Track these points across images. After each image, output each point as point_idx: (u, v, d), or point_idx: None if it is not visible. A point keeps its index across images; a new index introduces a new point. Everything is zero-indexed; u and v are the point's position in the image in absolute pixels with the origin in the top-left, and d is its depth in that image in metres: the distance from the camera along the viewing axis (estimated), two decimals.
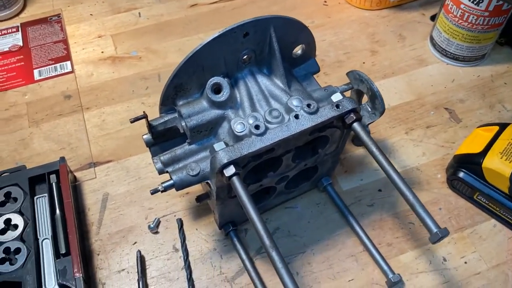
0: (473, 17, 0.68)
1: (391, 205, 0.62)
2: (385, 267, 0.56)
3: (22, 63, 0.78)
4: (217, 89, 0.49)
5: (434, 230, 0.42)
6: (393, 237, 0.59)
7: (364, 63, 0.77)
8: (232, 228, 0.57)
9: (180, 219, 0.60)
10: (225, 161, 0.43)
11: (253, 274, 0.55)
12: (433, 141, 0.68)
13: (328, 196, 0.62)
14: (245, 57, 0.50)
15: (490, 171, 0.57)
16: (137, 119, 0.48)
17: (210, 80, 0.48)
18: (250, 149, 0.44)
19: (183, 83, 0.48)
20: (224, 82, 0.48)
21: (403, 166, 0.65)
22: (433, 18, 0.83)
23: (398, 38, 0.81)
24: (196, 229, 0.60)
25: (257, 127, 0.45)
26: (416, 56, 0.78)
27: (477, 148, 0.60)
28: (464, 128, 0.69)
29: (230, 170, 0.43)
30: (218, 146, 0.45)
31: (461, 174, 0.60)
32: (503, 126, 0.61)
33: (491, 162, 0.57)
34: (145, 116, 0.48)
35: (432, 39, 0.78)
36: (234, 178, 0.44)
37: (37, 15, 0.85)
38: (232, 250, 0.58)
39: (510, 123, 0.61)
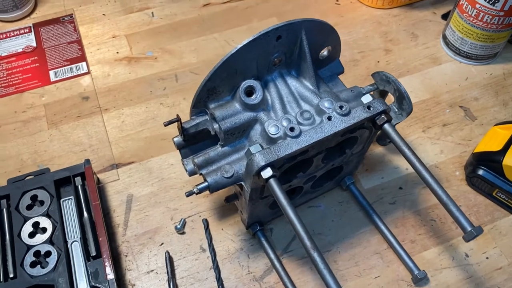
0: (488, 17, 0.69)
1: (412, 203, 0.63)
2: (410, 264, 0.57)
3: (37, 64, 0.77)
4: (249, 92, 0.49)
5: (469, 228, 0.43)
6: (416, 234, 0.60)
7: (378, 62, 0.78)
8: (260, 227, 0.58)
9: (206, 219, 0.61)
10: (263, 163, 0.44)
11: (281, 272, 0.56)
12: (450, 139, 0.69)
13: (350, 195, 0.63)
14: (276, 59, 0.50)
15: (511, 169, 0.58)
16: (170, 122, 0.49)
17: (244, 83, 0.49)
18: (287, 151, 0.45)
19: (216, 86, 0.49)
20: (257, 85, 0.49)
21: None
22: (444, 16, 0.85)
23: (411, 37, 0.82)
24: (222, 229, 0.61)
25: (292, 129, 0.46)
26: (430, 55, 0.79)
27: (496, 146, 0.61)
28: (479, 126, 0.71)
29: (267, 172, 0.44)
30: (255, 148, 0.45)
31: (480, 172, 0.61)
32: None
33: (511, 160, 0.58)
34: (178, 119, 0.48)
35: (445, 37, 0.79)
36: (271, 180, 0.44)
37: (49, 15, 0.84)
38: (259, 250, 0.59)
39: None
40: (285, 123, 0.48)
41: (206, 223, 0.60)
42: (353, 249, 0.59)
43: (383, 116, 0.48)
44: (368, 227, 0.61)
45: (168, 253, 0.58)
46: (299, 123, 0.49)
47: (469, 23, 0.72)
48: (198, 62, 0.78)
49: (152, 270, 0.57)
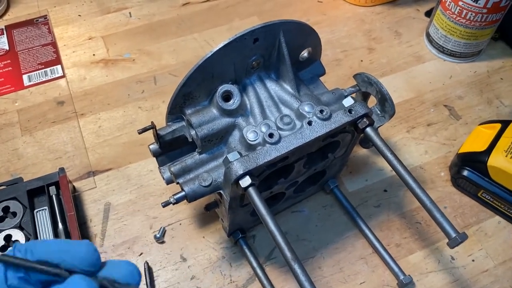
0: (471, 14, 0.68)
1: (397, 205, 0.62)
2: (396, 269, 0.56)
3: (10, 68, 0.74)
4: (227, 97, 0.48)
5: (453, 235, 0.42)
6: (401, 237, 0.59)
7: (362, 61, 0.77)
8: (241, 235, 0.56)
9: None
10: (241, 172, 0.42)
11: (264, 281, 0.54)
12: (434, 139, 0.68)
13: (334, 198, 0.62)
14: (254, 62, 0.49)
15: (495, 169, 0.57)
16: (145, 129, 0.47)
17: (220, 88, 0.47)
18: (266, 158, 0.43)
19: (192, 91, 0.47)
20: (234, 89, 0.47)
21: (407, 165, 0.65)
22: (427, 14, 0.84)
23: (395, 35, 0.81)
24: (203, 237, 0.59)
25: (271, 135, 0.44)
26: (413, 53, 0.78)
27: (481, 147, 0.60)
28: (464, 125, 0.70)
29: (246, 181, 0.42)
30: (233, 156, 0.44)
31: (465, 173, 0.61)
32: (505, 124, 0.61)
33: (496, 161, 0.57)
34: (153, 127, 0.46)
35: (428, 35, 0.78)
36: (250, 189, 0.43)
37: (22, 17, 0.81)
38: (241, 258, 0.57)
39: None
40: (264, 129, 0.47)
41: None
42: (337, 254, 0.58)
43: (365, 120, 0.47)
44: (352, 231, 0.60)
45: (147, 263, 0.56)
46: (278, 128, 0.47)
47: (452, 21, 0.71)
48: (177, 64, 0.76)
49: None
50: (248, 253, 0.56)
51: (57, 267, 0.29)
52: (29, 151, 0.66)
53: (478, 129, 0.63)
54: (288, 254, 0.40)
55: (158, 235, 0.58)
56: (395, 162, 0.46)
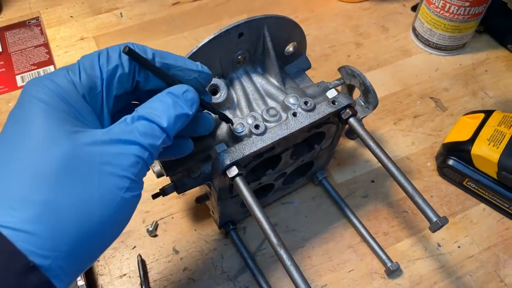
0: (454, 7, 0.70)
1: (385, 195, 0.63)
2: (383, 256, 0.57)
3: (3, 69, 0.76)
4: (214, 90, 0.49)
5: (434, 219, 0.43)
6: (389, 226, 0.61)
7: (349, 56, 0.78)
8: (232, 227, 0.58)
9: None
10: (228, 162, 0.43)
11: (255, 271, 0.56)
12: (421, 130, 0.70)
13: (323, 190, 0.63)
14: (239, 57, 0.50)
15: (478, 158, 0.59)
16: None
17: None
18: (252, 149, 0.44)
19: None
20: (221, 83, 0.48)
21: (394, 156, 0.67)
22: (414, 8, 0.85)
23: (382, 30, 0.82)
24: (195, 230, 0.60)
25: (257, 126, 0.46)
26: (400, 47, 0.80)
27: (465, 136, 0.61)
28: (450, 116, 0.71)
29: (233, 171, 0.44)
30: (220, 147, 0.45)
31: (450, 162, 0.62)
32: (488, 113, 0.63)
33: (479, 149, 0.59)
34: None
35: (414, 29, 0.80)
36: (238, 179, 0.44)
37: (14, 19, 0.82)
38: (232, 249, 0.59)
39: (494, 110, 0.63)
40: (250, 121, 0.48)
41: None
42: (326, 244, 0.59)
43: (348, 111, 0.48)
44: (341, 221, 0.61)
45: (141, 256, 0.57)
46: (265, 120, 0.48)
47: (437, 14, 0.73)
48: None
49: (124, 274, 0.57)
50: (239, 244, 0.57)
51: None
52: None
53: (463, 119, 0.65)
54: (274, 240, 0.41)
55: (150, 229, 0.59)
56: (377, 151, 0.47)
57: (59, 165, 0.30)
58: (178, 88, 0.37)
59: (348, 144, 0.67)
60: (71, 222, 0.30)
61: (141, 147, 0.33)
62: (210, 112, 0.43)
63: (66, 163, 0.30)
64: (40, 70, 0.75)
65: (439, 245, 0.59)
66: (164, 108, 0.35)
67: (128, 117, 0.34)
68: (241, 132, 0.47)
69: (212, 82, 0.48)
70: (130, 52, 0.34)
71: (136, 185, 0.34)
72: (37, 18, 0.82)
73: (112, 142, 0.32)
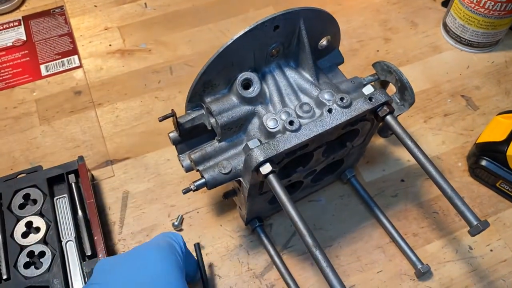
0: (490, 3, 0.68)
1: (415, 195, 0.62)
2: (413, 258, 0.56)
3: (28, 58, 0.75)
4: (246, 85, 0.48)
5: (475, 222, 0.42)
6: (419, 227, 0.59)
7: (378, 51, 0.77)
8: (259, 223, 0.57)
9: (198, 243, 0.56)
10: (261, 159, 0.42)
11: (282, 269, 0.55)
12: (452, 129, 0.68)
13: (351, 188, 0.62)
14: (273, 50, 0.48)
15: None
16: (165, 117, 0.47)
17: (240, 75, 0.47)
18: (286, 146, 0.43)
19: (211, 79, 0.47)
20: (254, 77, 0.47)
21: None
22: (444, 4, 0.83)
23: (411, 25, 0.80)
24: (221, 225, 0.59)
25: (291, 123, 0.44)
26: (430, 43, 0.78)
27: (499, 136, 0.60)
28: (482, 116, 0.69)
29: (266, 168, 0.43)
30: (253, 143, 0.44)
31: (484, 162, 0.60)
32: None
33: None
34: (173, 114, 0.46)
35: (445, 25, 0.77)
36: (271, 176, 0.43)
37: (38, 8, 0.82)
38: (258, 246, 0.58)
39: None
40: (284, 117, 0.47)
41: (198, 247, 0.56)
42: (354, 243, 0.58)
43: (385, 108, 0.47)
44: (369, 220, 0.60)
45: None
46: (298, 116, 0.47)
47: (471, 10, 0.70)
48: (193, 54, 0.76)
49: None
50: (266, 241, 0.56)
51: None
52: (47, 140, 0.66)
53: (496, 119, 0.63)
54: (309, 240, 0.40)
55: (176, 223, 0.58)
56: (415, 150, 0.46)
57: None
58: None
59: (378, 141, 0.66)
60: None
61: None
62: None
63: None
64: (65, 59, 0.75)
65: (470, 248, 0.58)
66: None
67: None
68: (275, 128, 0.46)
69: (245, 76, 0.47)
70: None
71: None
72: (61, 7, 0.82)
73: None
